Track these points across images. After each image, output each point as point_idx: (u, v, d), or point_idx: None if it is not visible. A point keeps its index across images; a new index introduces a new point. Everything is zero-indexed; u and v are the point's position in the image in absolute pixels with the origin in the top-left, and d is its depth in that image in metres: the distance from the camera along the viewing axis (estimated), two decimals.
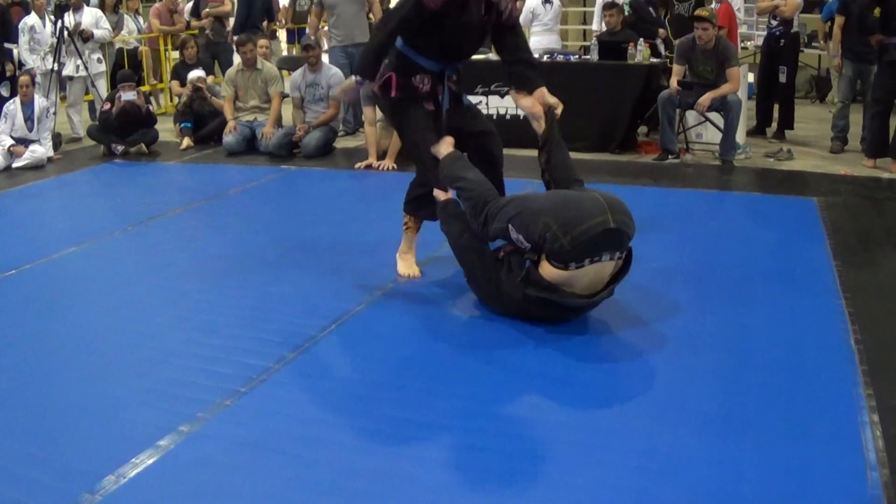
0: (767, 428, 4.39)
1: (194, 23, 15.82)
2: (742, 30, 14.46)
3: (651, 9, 13.13)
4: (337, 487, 3.92)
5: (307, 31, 14.24)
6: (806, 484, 3.90)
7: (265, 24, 14.77)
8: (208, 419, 4.52)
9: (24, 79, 11.48)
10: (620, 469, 4.06)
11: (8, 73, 12.91)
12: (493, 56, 12.89)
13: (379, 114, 10.80)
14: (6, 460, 4.22)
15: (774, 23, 12.20)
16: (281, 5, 17.34)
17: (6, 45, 13.27)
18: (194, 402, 4.69)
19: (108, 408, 4.70)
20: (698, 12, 10.83)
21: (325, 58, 12.27)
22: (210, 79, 13.42)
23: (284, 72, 14.02)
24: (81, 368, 5.20)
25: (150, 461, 4.12)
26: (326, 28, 13.62)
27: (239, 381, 4.92)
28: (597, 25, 15.29)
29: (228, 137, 11.61)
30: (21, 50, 13.09)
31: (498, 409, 4.62)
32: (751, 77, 13.00)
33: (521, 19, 14.47)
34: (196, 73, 12.93)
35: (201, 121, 12.38)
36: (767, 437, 4.30)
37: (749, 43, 15.92)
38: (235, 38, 13.86)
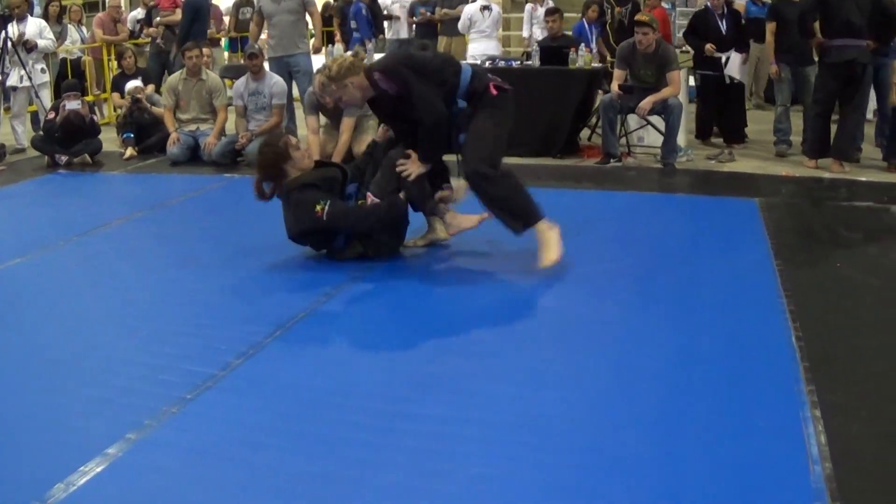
0: (711, 425, 4.44)
1: (146, 31, 15.78)
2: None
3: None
4: (285, 492, 3.93)
5: (249, 39, 14.24)
6: (750, 479, 3.95)
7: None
8: (156, 426, 4.51)
9: None
10: (562, 468, 4.10)
11: None
12: None
13: (323, 120, 10.80)
14: None
15: None
16: (224, 14, 17.33)
17: None
18: (141, 409, 4.67)
19: (54, 417, 4.68)
20: (639, 17, 10.92)
21: (267, 66, 12.26)
22: (150, 88, 13.37)
23: (227, 81, 14.00)
24: (27, 378, 5.17)
25: (99, 469, 4.11)
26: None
27: (185, 388, 4.91)
28: (527, 32, 15.40)
29: (173, 149, 11.54)
30: None
31: (443, 413, 4.64)
32: (692, 80, 13.11)
33: (459, 26, 14.62)
34: (133, 84, 12.90)
35: (143, 130, 12.31)
36: (711, 434, 4.35)
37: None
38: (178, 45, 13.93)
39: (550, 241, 6.69)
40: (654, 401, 4.72)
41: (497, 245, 7.35)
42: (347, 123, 10.50)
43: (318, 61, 13.05)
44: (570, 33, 13.74)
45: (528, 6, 15.67)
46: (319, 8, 15.09)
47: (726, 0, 11.87)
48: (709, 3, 11.91)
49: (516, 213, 6.76)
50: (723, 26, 11.75)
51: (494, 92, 6.82)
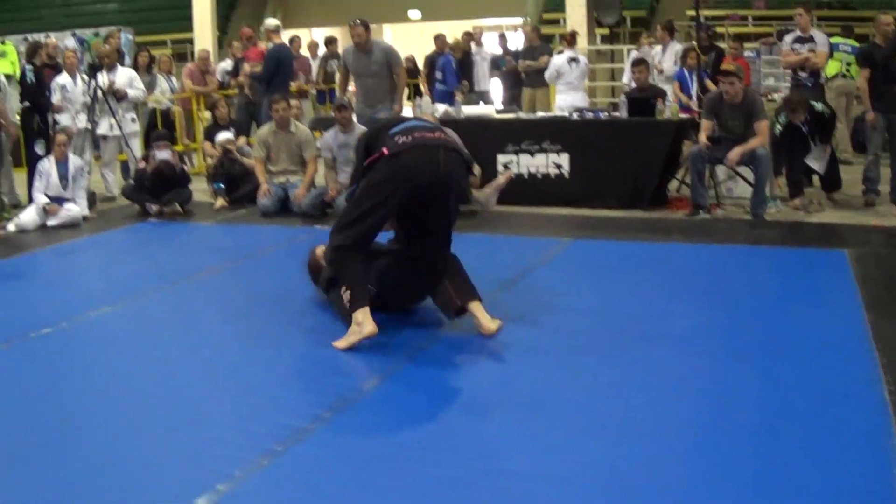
0: (801, 481, 4.38)
1: (234, 81, 15.99)
2: (769, 82, 14.47)
3: None
4: None
5: (337, 91, 14.39)
6: None
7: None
8: (245, 478, 4.53)
9: (60, 137, 11.60)
10: None
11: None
12: (522, 115, 13.03)
13: None
14: None
15: (804, 74, 12.25)
16: (312, 66, 17.55)
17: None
18: (230, 460, 4.70)
19: (143, 465, 4.72)
20: (725, 66, 10.89)
21: (355, 118, 12.37)
22: (242, 140, 13.53)
23: (316, 132, 14.14)
24: (115, 426, 5.22)
25: None
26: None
27: (275, 439, 4.93)
28: (627, 79, 15.45)
29: (264, 200, 11.69)
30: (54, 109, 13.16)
31: (530, 469, 4.60)
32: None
33: (547, 76, 14.79)
34: (224, 136, 13.07)
35: (234, 181, 12.47)
36: (801, 490, 4.29)
37: (776, 95, 15.89)
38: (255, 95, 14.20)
39: (352, 332, 6.45)
40: (742, 456, 4.67)
41: (573, 300, 7.36)
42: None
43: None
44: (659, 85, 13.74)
45: (634, 53, 15.84)
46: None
47: (807, 109, 11.46)
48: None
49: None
50: (805, 129, 11.39)
51: (375, 156, 6.42)
